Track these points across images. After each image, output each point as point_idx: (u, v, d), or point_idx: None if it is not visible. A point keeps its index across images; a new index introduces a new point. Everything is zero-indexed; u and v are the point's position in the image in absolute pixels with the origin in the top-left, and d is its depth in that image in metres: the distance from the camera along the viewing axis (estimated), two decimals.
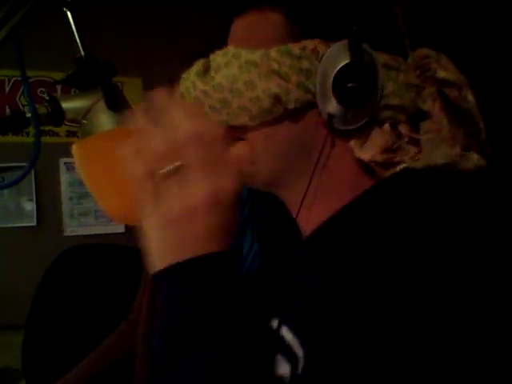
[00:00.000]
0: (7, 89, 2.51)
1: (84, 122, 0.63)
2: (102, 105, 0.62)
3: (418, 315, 0.44)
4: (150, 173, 0.48)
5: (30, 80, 2.50)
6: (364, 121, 0.57)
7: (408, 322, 0.44)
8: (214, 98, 0.59)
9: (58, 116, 0.62)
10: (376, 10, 0.61)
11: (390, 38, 0.60)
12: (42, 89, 2.49)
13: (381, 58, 0.57)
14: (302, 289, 0.57)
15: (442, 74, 0.58)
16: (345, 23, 0.56)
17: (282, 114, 0.57)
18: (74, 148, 0.63)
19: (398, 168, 0.58)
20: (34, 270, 2.30)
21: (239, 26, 0.63)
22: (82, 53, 0.64)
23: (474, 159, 0.57)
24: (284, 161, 0.60)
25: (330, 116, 0.56)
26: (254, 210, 1.07)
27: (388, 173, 0.58)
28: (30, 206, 2.53)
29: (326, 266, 0.56)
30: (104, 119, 0.62)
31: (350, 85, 0.55)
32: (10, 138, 2.45)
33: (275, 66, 0.56)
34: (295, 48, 0.56)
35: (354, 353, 0.46)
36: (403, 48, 0.61)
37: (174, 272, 0.48)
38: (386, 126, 0.58)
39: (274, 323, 0.59)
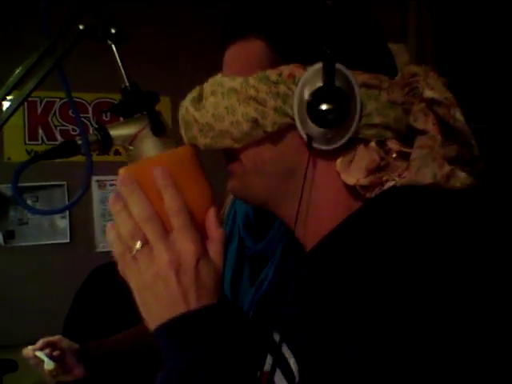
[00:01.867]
0: (39, 110, 2.59)
1: (131, 148, 0.66)
2: (147, 131, 0.65)
3: (408, 339, 0.46)
4: (125, 250, 0.58)
5: (62, 101, 2.57)
6: (345, 140, 0.59)
7: (398, 343, 0.46)
8: (201, 123, 0.64)
9: (106, 143, 0.65)
10: (356, 31, 0.63)
11: (372, 58, 0.62)
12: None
13: (360, 77, 0.59)
14: (301, 306, 0.60)
15: (428, 93, 0.59)
16: (320, 47, 0.58)
17: (263, 136, 0.61)
18: (122, 172, 0.66)
19: (386, 186, 0.59)
20: (67, 286, 2.36)
21: (229, 54, 0.68)
22: (127, 83, 0.67)
23: (461, 178, 0.59)
24: (272, 180, 0.64)
25: (309, 137, 0.59)
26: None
27: (374, 192, 0.60)
28: (63, 224, 2.59)
29: (321, 287, 0.58)
30: (150, 145, 0.65)
31: (323, 107, 0.56)
32: None
33: (253, 92, 0.60)
34: (272, 74, 0.60)
35: (343, 371, 0.49)
36: (389, 66, 0.64)
37: (161, 332, 0.56)
38: (372, 144, 0.60)
39: (276, 338, 0.64)
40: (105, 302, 2.32)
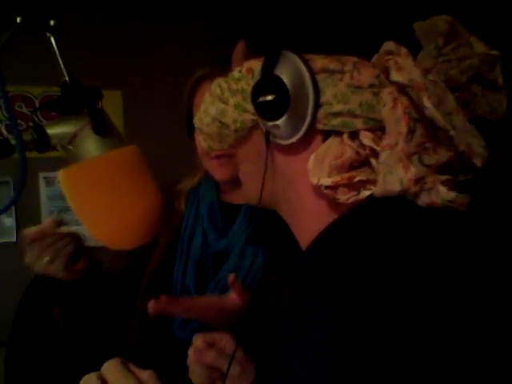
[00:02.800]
0: None
1: (70, 148, 0.62)
2: (88, 130, 0.62)
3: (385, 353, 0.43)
4: None
5: (9, 94, 2.46)
6: (302, 132, 0.53)
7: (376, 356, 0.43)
8: (196, 128, 0.64)
9: (43, 142, 0.61)
10: (317, 11, 0.58)
11: (335, 40, 0.56)
12: (19, 103, 2.46)
13: (319, 62, 0.53)
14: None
15: (393, 75, 0.51)
16: (276, 35, 0.55)
17: (236, 136, 0.60)
18: (61, 174, 0.62)
19: (361, 196, 0.53)
20: (14, 286, 2.26)
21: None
22: (67, 78, 0.63)
23: (442, 193, 0.50)
24: (258, 180, 0.61)
25: (267, 132, 0.56)
26: (259, 227, 1.08)
27: (347, 197, 0.53)
28: (9, 222, 2.48)
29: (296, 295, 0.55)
30: (91, 145, 0.61)
31: (261, 99, 0.54)
32: None
33: (218, 91, 0.59)
34: (236, 71, 0.58)
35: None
36: (359, 45, 0.57)
37: None
38: (345, 137, 0.54)
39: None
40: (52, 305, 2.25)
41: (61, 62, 0.64)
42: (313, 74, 0.53)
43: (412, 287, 0.47)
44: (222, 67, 0.87)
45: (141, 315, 1.13)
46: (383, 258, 0.49)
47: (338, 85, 0.53)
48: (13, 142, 0.60)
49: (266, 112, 0.54)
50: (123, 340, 1.20)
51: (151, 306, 0.79)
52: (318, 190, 0.54)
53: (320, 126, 0.54)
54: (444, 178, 0.51)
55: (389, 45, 0.53)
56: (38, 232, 0.87)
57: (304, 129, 0.53)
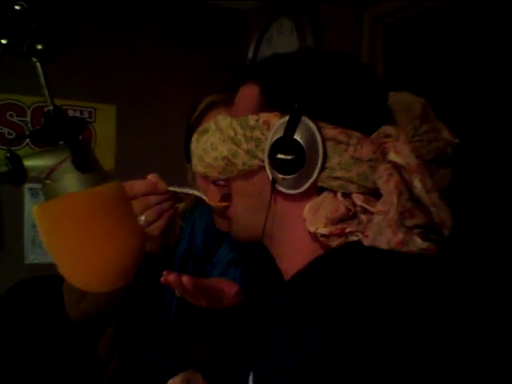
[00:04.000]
0: None
1: (47, 182, 0.58)
2: (68, 164, 0.58)
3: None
4: None
5: (0, 103, 2.42)
6: (305, 187, 0.64)
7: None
8: (196, 154, 0.74)
9: (19, 175, 0.57)
10: (337, 89, 0.66)
11: (349, 115, 0.65)
12: (11, 112, 2.42)
13: (330, 132, 0.63)
14: (272, 341, 0.63)
15: (391, 156, 0.61)
16: (296, 99, 0.62)
17: (238, 173, 0.69)
18: (36, 210, 0.58)
19: (349, 239, 0.63)
20: None
21: (236, 96, 0.75)
22: (51, 107, 0.60)
23: (418, 243, 0.61)
24: (253, 214, 0.70)
25: (273, 180, 0.65)
26: (241, 253, 1.06)
27: (337, 242, 0.64)
28: None
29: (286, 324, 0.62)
30: (70, 180, 0.57)
31: (279, 156, 0.63)
32: None
33: (232, 133, 0.68)
34: (252, 119, 0.67)
35: None
36: (369, 124, 0.65)
37: None
38: (339, 195, 0.64)
39: (250, 377, 0.67)
40: (23, 319, 2.19)
41: (45, 89, 0.60)
42: (324, 141, 0.62)
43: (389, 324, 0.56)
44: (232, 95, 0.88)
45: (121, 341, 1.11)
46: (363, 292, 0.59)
47: (343, 155, 0.63)
48: None
49: (281, 167, 0.63)
50: (103, 364, 1.18)
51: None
52: (310, 234, 0.65)
53: (319, 184, 0.64)
54: (417, 230, 0.62)
55: (388, 129, 0.63)
56: (148, 186, 0.81)
57: (307, 185, 0.64)
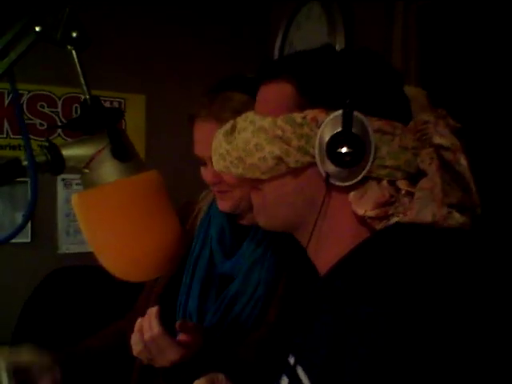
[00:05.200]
0: (6, 102, 2.46)
1: (86, 171, 0.57)
2: (107, 153, 0.57)
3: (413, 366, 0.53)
4: None
5: (30, 94, 2.44)
6: (359, 178, 0.66)
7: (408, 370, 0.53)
8: (233, 156, 0.72)
9: (57, 164, 0.57)
10: (375, 82, 0.70)
11: (388, 106, 0.69)
12: (42, 103, 2.45)
13: (376, 124, 0.66)
14: (317, 327, 0.67)
15: (437, 139, 0.67)
16: (342, 95, 0.65)
17: (286, 171, 0.69)
18: (75, 199, 0.58)
19: (391, 221, 0.67)
20: (26, 288, 2.24)
21: (262, 94, 0.75)
22: (87, 95, 0.59)
23: (457, 218, 0.65)
24: (292, 210, 0.72)
25: (327, 174, 0.67)
26: (267, 250, 1.04)
27: (381, 225, 0.67)
28: None
29: (331, 310, 0.65)
30: (109, 169, 0.57)
31: (341, 150, 0.64)
32: (5, 152, 2.41)
33: (279, 132, 0.68)
34: (298, 117, 0.67)
35: None
36: (404, 114, 0.71)
37: None
38: (384, 182, 0.68)
39: (291, 360, 0.70)
40: (59, 307, 2.22)
41: (82, 77, 0.59)
42: (373, 133, 0.66)
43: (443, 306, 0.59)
44: (220, 107, 0.98)
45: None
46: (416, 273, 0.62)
47: (391, 145, 0.67)
48: (25, 163, 0.55)
49: (340, 160, 0.65)
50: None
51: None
52: (355, 220, 0.69)
53: (368, 174, 0.67)
54: (454, 208, 0.66)
55: (425, 116, 0.70)
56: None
57: (361, 176, 0.66)
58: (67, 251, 2.53)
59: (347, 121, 0.64)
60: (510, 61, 1.63)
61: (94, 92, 0.60)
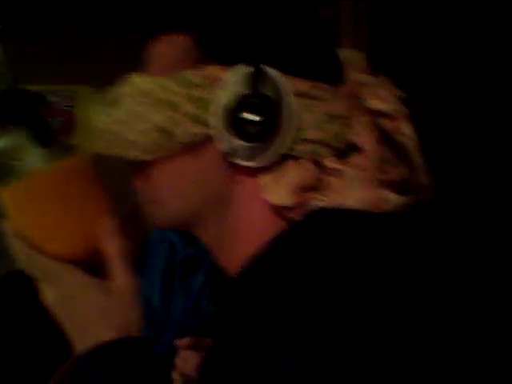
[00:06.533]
0: None
1: (10, 163, 0.56)
2: (30, 142, 0.56)
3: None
4: None
5: None
6: (274, 157, 0.51)
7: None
8: (112, 131, 0.56)
9: None
10: (295, 31, 0.55)
11: (312, 63, 0.55)
12: None
13: (297, 85, 0.52)
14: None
15: (373, 103, 0.54)
16: (253, 47, 0.52)
17: (177, 148, 0.53)
18: (3, 192, 0.57)
19: (313, 207, 0.52)
20: None
21: (152, 50, 0.58)
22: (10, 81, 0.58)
23: (393, 199, 0.53)
24: (192, 199, 0.56)
25: (230, 151, 0.51)
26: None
27: (300, 213, 0.52)
28: None
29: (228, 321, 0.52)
30: (33, 158, 0.56)
31: (246, 117, 0.50)
32: None
33: (166, 95, 0.52)
34: (194, 75, 0.52)
35: None
36: (334, 75, 0.56)
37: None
38: (306, 161, 0.53)
39: None
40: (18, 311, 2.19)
41: (4, 67, 0.58)
42: (292, 96, 0.51)
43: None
44: None
45: None
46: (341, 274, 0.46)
47: (316, 112, 0.52)
48: None
49: (245, 132, 0.50)
50: None
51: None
52: (271, 211, 0.53)
53: (285, 151, 0.52)
54: (392, 186, 0.54)
55: (363, 77, 0.56)
56: None
57: (274, 153, 0.51)
58: None
59: (255, 78, 0.50)
60: (464, 42, 1.66)
61: (43, 87, 0.59)
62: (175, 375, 0.82)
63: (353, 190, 0.52)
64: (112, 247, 0.56)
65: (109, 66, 2.59)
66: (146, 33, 0.60)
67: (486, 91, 1.63)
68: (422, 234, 0.58)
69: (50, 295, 0.55)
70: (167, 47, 0.56)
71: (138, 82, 0.55)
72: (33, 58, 2.26)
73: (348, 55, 0.59)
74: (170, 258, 1.09)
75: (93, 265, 0.56)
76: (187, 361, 0.78)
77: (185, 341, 0.84)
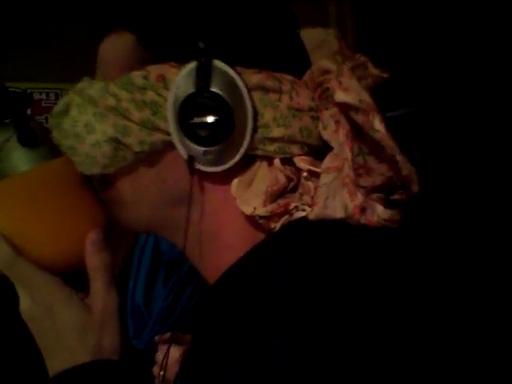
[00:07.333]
0: None
1: None
2: (14, 142, 0.55)
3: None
4: None
5: None
6: (235, 160, 0.47)
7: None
8: (64, 146, 0.52)
9: None
10: (246, 17, 0.50)
11: (272, 53, 0.50)
12: None
13: (252, 78, 0.46)
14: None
15: (340, 96, 0.46)
16: (198, 39, 0.46)
17: (135, 157, 0.49)
18: None
19: (294, 217, 0.48)
20: None
21: (99, 54, 0.54)
22: None
23: (379, 211, 0.47)
24: (158, 208, 0.53)
25: (190, 157, 0.47)
26: None
27: (280, 223, 0.48)
28: None
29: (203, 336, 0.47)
30: (18, 158, 0.55)
31: (196, 120, 0.45)
32: None
33: (112, 101, 0.48)
34: (137, 76, 0.47)
35: None
36: (297, 63, 0.51)
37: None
38: (276, 162, 0.48)
39: None
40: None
41: None
42: (249, 91, 0.46)
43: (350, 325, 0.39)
44: None
45: None
46: (313, 286, 0.41)
47: (278, 107, 0.47)
48: None
49: (200, 136, 0.46)
50: None
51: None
52: (245, 217, 0.49)
53: (250, 151, 0.48)
54: (376, 196, 0.48)
55: (325, 63, 0.49)
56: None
57: (238, 156, 0.47)
58: None
59: (203, 74, 0.45)
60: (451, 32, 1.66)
61: (29, 84, 0.58)
62: (157, 370, 0.82)
63: (332, 196, 0.46)
64: (95, 260, 0.53)
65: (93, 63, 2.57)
66: (90, 34, 0.56)
67: (481, 89, 1.63)
68: (412, 241, 0.54)
69: (24, 302, 0.52)
70: (111, 48, 0.52)
71: (84, 87, 0.50)
72: (18, 55, 2.25)
73: (319, 36, 0.54)
74: (155, 256, 1.08)
75: (74, 276, 0.55)
76: (168, 356, 0.75)
77: (165, 336, 0.85)
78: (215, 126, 0.45)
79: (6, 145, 0.54)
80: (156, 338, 0.85)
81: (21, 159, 0.55)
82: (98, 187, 0.56)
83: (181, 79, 0.46)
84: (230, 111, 0.45)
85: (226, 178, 0.49)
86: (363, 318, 0.40)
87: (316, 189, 0.47)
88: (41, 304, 0.51)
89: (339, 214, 0.46)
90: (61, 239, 0.56)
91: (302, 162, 0.49)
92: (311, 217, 0.46)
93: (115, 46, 0.52)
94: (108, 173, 0.52)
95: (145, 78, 0.47)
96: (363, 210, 0.46)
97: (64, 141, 0.52)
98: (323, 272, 0.42)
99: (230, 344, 0.40)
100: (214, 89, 0.45)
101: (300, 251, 0.45)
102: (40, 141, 0.56)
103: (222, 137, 0.46)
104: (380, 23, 1.91)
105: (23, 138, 0.54)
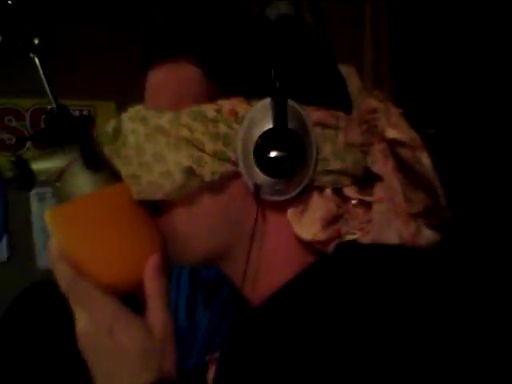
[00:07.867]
0: None
1: (58, 185, 0.55)
2: (78, 164, 0.54)
3: None
4: None
5: None
6: (298, 190, 0.50)
7: None
8: (124, 172, 0.53)
9: (27, 180, 0.54)
10: (308, 59, 0.53)
11: (327, 91, 0.53)
12: (9, 117, 2.38)
13: (314, 115, 0.50)
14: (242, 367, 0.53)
15: (391, 133, 0.51)
16: (267, 77, 0.47)
17: (201, 185, 0.51)
18: (49, 215, 0.55)
19: (345, 239, 0.51)
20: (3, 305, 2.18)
21: (153, 80, 0.56)
22: (54, 105, 0.56)
23: (427, 235, 0.51)
24: (214, 236, 0.54)
25: (257, 187, 0.49)
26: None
27: (331, 246, 0.51)
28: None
29: (260, 347, 0.51)
30: (82, 181, 0.54)
31: (273, 154, 0.47)
32: None
33: (186, 132, 0.49)
34: (209, 109, 0.49)
35: None
36: (344, 100, 0.54)
37: None
38: (327, 191, 0.52)
39: None
40: (35, 324, 2.17)
41: (46, 86, 0.57)
42: (313, 128, 0.50)
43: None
44: None
45: None
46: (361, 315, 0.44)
47: (336, 142, 0.51)
48: None
49: (272, 168, 0.48)
50: None
51: None
52: (296, 242, 0.52)
53: (309, 182, 0.51)
54: (422, 221, 0.52)
55: (372, 102, 0.53)
56: None
57: (301, 186, 0.50)
58: (46, 267, 2.47)
59: (280, 113, 0.47)
60: (483, 48, 1.65)
61: (62, 101, 0.58)
62: None
63: (387, 224, 0.50)
64: (155, 285, 0.53)
65: (129, 81, 2.61)
66: (143, 60, 0.57)
67: (500, 111, 1.61)
68: (453, 264, 0.55)
69: (83, 324, 0.51)
70: (170, 77, 0.53)
71: (149, 116, 0.51)
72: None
73: (343, 72, 0.57)
74: (194, 279, 1.08)
75: (126, 299, 0.54)
76: None
77: (215, 355, 0.85)
78: (288, 160, 0.48)
79: (70, 167, 0.54)
80: (207, 357, 0.85)
81: (84, 182, 0.54)
82: (158, 220, 0.56)
83: (254, 115, 0.48)
84: (302, 146, 0.48)
85: (280, 206, 0.52)
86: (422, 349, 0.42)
87: (366, 214, 0.51)
88: (101, 325, 0.50)
89: (394, 240, 0.50)
90: (121, 263, 0.55)
91: (350, 192, 0.52)
92: (366, 241, 0.50)
93: (178, 75, 0.53)
94: (168, 199, 0.52)
95: (217, 111, 0.49)
96: (415, 236, 0.50)
97: (126, 168, 0.53)
98: (383, 298, 0.45)
99: (277, 363, 0.45)
100: (289, 125, 0.48)
101: (348, 274, 0.48)
102: (102, 163, 0.56)
103: (294, 170, 0.48)
104: (413, 27, 1.90)
105: (88, 161, 0.54)
